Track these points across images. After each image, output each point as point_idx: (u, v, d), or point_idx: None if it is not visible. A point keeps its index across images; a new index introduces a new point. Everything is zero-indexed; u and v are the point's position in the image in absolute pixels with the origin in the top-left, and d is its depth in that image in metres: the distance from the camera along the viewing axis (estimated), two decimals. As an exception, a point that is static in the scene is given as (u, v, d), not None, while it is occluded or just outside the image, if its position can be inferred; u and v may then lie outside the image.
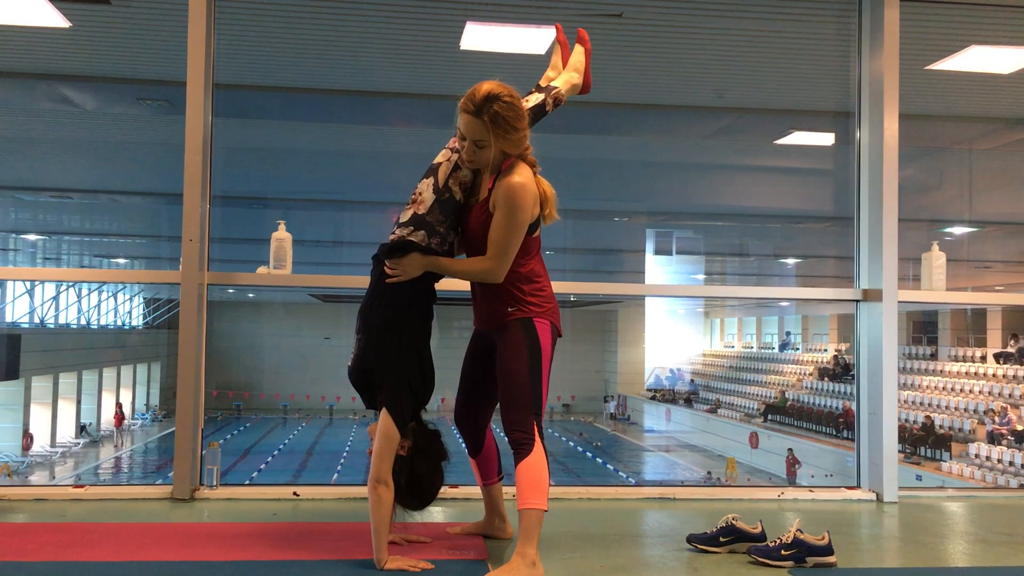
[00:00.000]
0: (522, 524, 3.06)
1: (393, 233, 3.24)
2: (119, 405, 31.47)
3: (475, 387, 3.45)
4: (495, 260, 3.15)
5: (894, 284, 4.63)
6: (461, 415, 3.47)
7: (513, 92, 3.13)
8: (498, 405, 3.28)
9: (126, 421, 32.02)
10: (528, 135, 3.20)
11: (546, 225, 3.28)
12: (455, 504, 4.18)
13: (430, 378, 3.28)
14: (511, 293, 3.22)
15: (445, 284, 3.39)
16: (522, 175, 3.13)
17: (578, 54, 3.66)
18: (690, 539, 3.47)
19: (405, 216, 3.24)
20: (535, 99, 3.48)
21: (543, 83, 3.62)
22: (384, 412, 3.12)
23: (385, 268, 3.20)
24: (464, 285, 3.38)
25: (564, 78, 3.62)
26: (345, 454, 26.46)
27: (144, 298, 35.38)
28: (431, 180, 3.25)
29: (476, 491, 3.58)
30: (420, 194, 3.24)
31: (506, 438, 3.19)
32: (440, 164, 3.28)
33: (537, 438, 3.12)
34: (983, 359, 23.39)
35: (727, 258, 21.37)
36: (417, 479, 3.18)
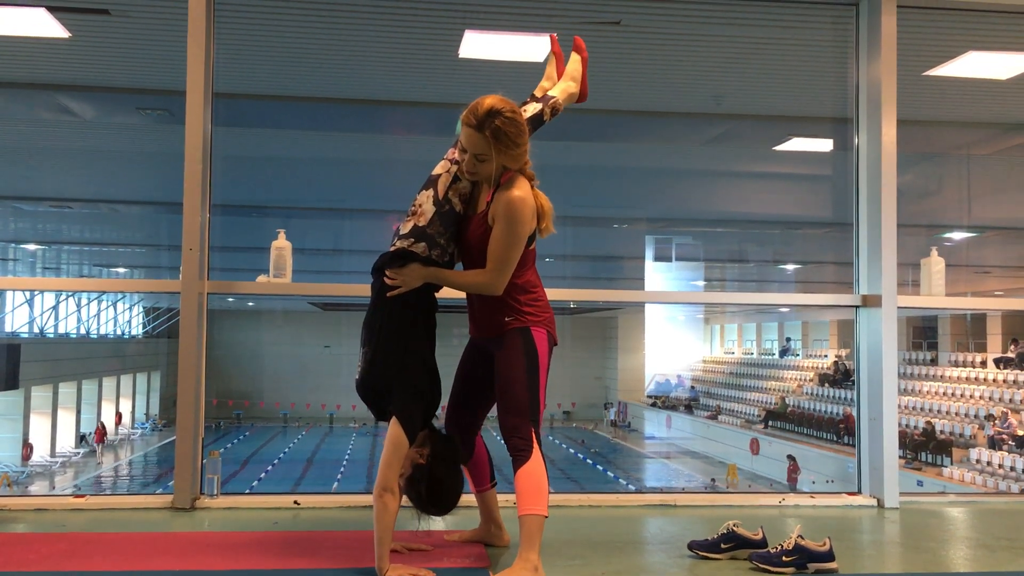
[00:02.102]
0: (523, 530, 3.07)
1: (393, 245, 3.25)
2: (119, 415, 31.42)
3: (468, 393, 3.46)
4: (494, 273, 3.17)
5: (893, 289, 4.63)
6: (452, 420, 3.49)
7: (515, 107, 3.16)
8: (494, 413, 3.29)
9: (125, 431, 31.97)
10: (528, 150, 3.22)
11: (542, 238, 3.31)
12: (455, 512, 4.16)
13: (437, 385, 3.29)
14: (508, 303, 3.24)
15: (443, 293, 3.41)
16: (521, 189, 3.15)
17: (574, 63, 3.66)
18: (691, 546, 3.46)
19: (406, 228, 3.24)
20: (533, 109, 3.49)
21: (538, 93, 3.62)
22: (394, 421, 3.12)
23: (385, 279, 3.20)
24: (461, 293, 3.40)
25: (561, 87, 3.62)
26: (345, 463, 26.43)
27: (144, 307, 35.42)
28: (431, 192, 3.26)
29: (474, 499, 3.57)
30: (420, 206, 3.25)
31: (504, 445, 3.20)
32: (439, 175, 3.29)
33: (535, 445, 3.14)
34: (983, 364, 23.37)
35: (727, 264, 21.39)
36: (438, 484, 3.17)
